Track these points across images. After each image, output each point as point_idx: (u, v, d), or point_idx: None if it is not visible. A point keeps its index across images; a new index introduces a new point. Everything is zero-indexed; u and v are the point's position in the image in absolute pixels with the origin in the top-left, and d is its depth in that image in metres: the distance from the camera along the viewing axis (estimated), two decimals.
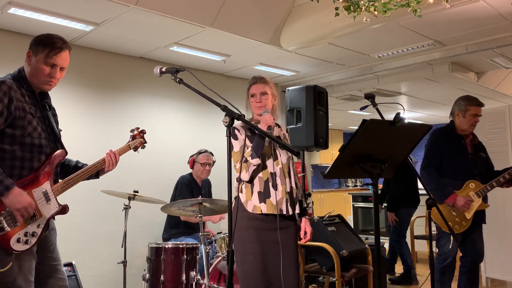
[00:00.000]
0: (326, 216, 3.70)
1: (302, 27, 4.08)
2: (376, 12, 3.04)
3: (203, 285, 3.25)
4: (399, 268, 5.06)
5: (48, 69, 1.98)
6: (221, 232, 3.65)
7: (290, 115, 3.97)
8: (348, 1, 3.05)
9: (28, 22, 3.55)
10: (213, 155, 4.17)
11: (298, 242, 2.53)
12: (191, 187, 4.06)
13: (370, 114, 7.72)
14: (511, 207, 4.44)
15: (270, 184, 2.41)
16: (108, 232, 4.21)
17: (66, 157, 2.14)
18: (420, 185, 5.15)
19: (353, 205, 7.26)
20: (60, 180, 2.08)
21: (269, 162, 2.44)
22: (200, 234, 3.13)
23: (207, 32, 3.86)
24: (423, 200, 4.14)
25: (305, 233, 2.51)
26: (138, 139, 2.48)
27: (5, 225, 1.80)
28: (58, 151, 2.04)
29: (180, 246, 3.28)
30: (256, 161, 2.37)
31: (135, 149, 2.47)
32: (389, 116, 2.99)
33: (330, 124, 5.62)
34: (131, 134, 2.49)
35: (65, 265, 3.33)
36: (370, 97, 2.49)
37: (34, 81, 2.00)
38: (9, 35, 3.76)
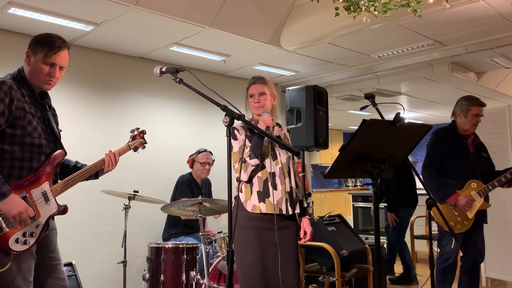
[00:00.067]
0: (326, 216, 3.69)
1: (302, 27, 4.08)
2: (376, 12, 3.04)
3: (203, 285, 3.25)
4: (398, 268, 5.06)
5: (47, 69, 1.98)
6: (221, 232, 3.65)
7: (290, 115, 3.97)
8: (348, 1, 3.05)
9: (28, 22, 3.55)
10: (212, 154, 4.17)
11: (298, 242, 2.53)
12: (191, 187, 4.06)
13: (370, 114, 7.72)
14: (511, 207, 4.44)
15: (270, 183, 2.41)
16: (108, 232, 4.21)
17: (66, 157, 2.14)
18: (419, 185, 5.15)
19: (353, 205, 7.26)
20: (59, 181, 2.08)
21: (269, 162, 2.44)
22: (200, 234, 3.13)
23: (207, 32, 3.86)
24: (422, 200, 4.14)
25: (305, 233, 2.51)
26: (138, 140, 2.48)
27: (4, 226, 1.80)
28: (57, 151, 2.04)
29: (180, 246, 3.28)
30: (255, 161, 2.37)
31: (135, 149, 2.47)
32: (389, 116, 3.00)
33: (330, 124, 5.63)
34: (131, 134, 2.49)
35: (65, 265, 3.33)
36: (370, 97, 2.49)
37: (34, 81, 2.00)
38: (9, 35, 3.76)
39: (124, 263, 3.38)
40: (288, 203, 2.41)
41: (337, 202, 9.86)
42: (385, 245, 5.08)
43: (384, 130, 2.01)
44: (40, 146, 1.97)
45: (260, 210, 2.37)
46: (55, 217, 2.05)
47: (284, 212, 2.40)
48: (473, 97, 3.30)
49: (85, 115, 4.20)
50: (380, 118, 2.35)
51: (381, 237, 2.44)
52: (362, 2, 3.01)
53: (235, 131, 2.48)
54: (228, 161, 1.93)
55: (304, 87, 3.92)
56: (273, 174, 2.42)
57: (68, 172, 2.15)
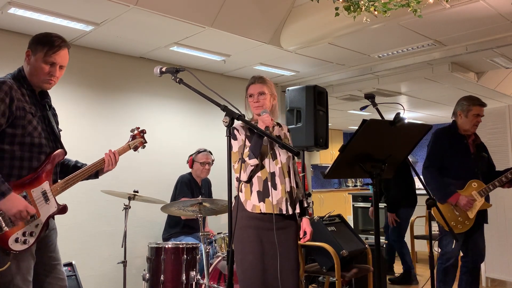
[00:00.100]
0: (326, 216, 3.70)
1: (302, 27, 4.08)
2: (376, 12, 3.04)
3: (203, 285, 3.25)
4: (398, 268, 5.06)
5: (47, 68, 1.98)
6: (221, 233, 3.65)
7: (290, 115, 3.97)
8: (348, 1, 3.05)
9: (28, 22, 3.55)
10: (211, 154, 4.17)
11: (298, 242, 2.53)
12: (191, 186, 4.06)
13: (370, 114, 7.72)
14: (511, 207, 4.45)
15: (269, 183, 2.40)
16: (108, 232, 4.21)
17: (66, 157, 2.14)
18: (418, 185, 5.16)
19: (353, 205, 7.26)
20: (59, 180, 2.08)
21: (268, 162, 2.44)
22: (200, 234, 3.13)
23: (207, 32, 3.86)
24: (422, 200, 4.14)
25: (305, 233, 2.51)
26: (138, 139, 2.48)
27: (3, 225, 1.80)
28: (57, 151, 2.04)
29: (180, 246, 3.28)
30: (254, 161, 2.37)
31: (135, 149, 2.46)
32: (389, 116, 2.99)
33: (330, 124, 5.63)
34: (131, 134, 2.48)
35: (65, 265, 3.33)
36: (370, 97, 2.49)
37: (34, 80, 2.00)
38: (9, 35, 3.76)
39: (124, 263, 3.38)
40: (288, 203, 2.41)
41: (337, 202, 9.86)
42: (384, 245, 5.08)
43: (384, 130, 2.01)
44: (40, 146, 1.97)
45: (260, 210, 2.37)
46: (55, 217, 2.05)
47: (284, 212, 2.39)
48: (474, 97, 3.30)
49: (85, 115, 4.20)
50: (380, 118, 2.35)
51: (380, 237, 2.43)
52: (362, 2, 3.01)
53: (235, 131, 2.48)
54: (228, 161, 1.93)
55: (304, 87, 3.92)
56: (272, 174, 2.42)
57: (68, 171, 2.15)
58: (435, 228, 3.28)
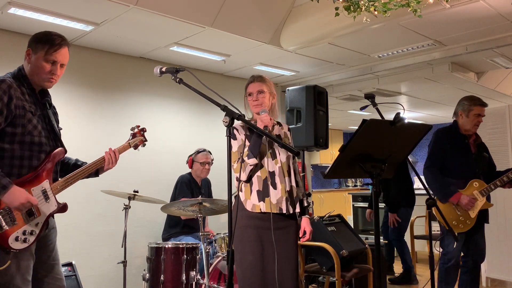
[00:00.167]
0: (326, 216, 3.70)
1: (302, 27, 4.08)
2: (376, 12, 3.04)
3: (203, 285, 3.25)
4: (398, 268, 5.06)
5: (49, 66, 1.98)
6: (220, 233, 3.65)
7: (290, 115, 3.97)
8: (348, 1, 3.05)
9: (28, 22, 3.55)
10: (211, 153, 4.17)
11: (298, 242, 2.53)
12: (190, 187, 4.06)
13: (370, 114, 7.72)
14: (511, 207, 4.45)
15: (269, 183, 2.40)
16: (108, 232, 4.21)
17: (66, 155, 2.14)
18: (417, 185, 5.16)
19: (353, 205, 7.26)
20: (59, 179, 2.08)
21: (268, 161, 2.44)
22: (200, 233, 3.13)
23: (207, 32, 3.86)
24: (422, 200, 4.13)
25: (304, 232, 2.51)
26: (138, 137, 2.47)
27: (3, 224, 1.80)
28: (57, 150, 2.04)
29: (180, 246, 3.28)
30: (253, 161, 2.36)
31: (135, 147, 2.46)
32: (389, 116, 2.99)
33: (330, 124, 5.63)
34: (132, 132, 2.48)
35: (65, 265, 3.33)
36: (370, 97, 2.49)
37: (35, 79, 2.00)
38: (9, 35, 3.76)
39: (124, 263, 3.38)
40: (288, 202, 2.41)
41: (337, 202, 9.86)
42: (383, 246, 5.08)
43: (384, 130, 2.01)
44: (40, 145, 1.97)
45: (260, 210, 2.37)
46: (55, 216, 2.05)
47: (284, 211, 2.39)
48: (475, 97, 3.31)
49: (85, 115, 4.20)
50: (380, 118, 2.35)
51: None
52: (362, 2, 3.01)
53: (234, 131, 2.48)
54: (228, 161, 1.93)
55: (304, 87, 3.92)
56: (272, 173, 2.42)
57: (68, 170, 2.15)
58: (435, 228, 3.29)
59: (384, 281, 4.40)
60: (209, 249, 3.14)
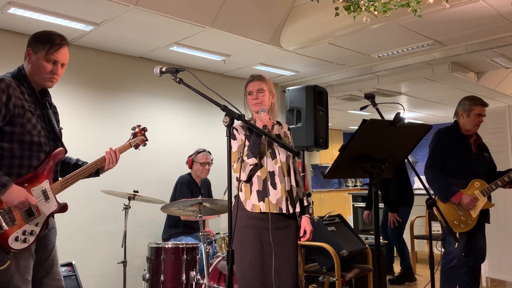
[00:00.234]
0: (326, 216, 3.70)
1: (302, 27, 4.08)
2: (376, 12, 3.04)
3: (203, 285, 3.25)
4: (398, 268, 5.06)
5: (50, 66, 1.98)
6: (218, 233, 3.65)
7: (290, 115, 3.97)
8: (348, 1, 3.05)
9: (28, 22, 3.55)
10: (210, 154, 4.17)
11: (298, 241, 2.53)
12: (190, 187, 4.06)
13: (370, 114, 7.72)
14: (511, 207, 4.45)
15: (269, 183, 2.40)
16: (108, 232, 4.21)
17: (67, 155, 2.14)
18: (417, 185, 5.15)
19: (353, 205, 7.26)
20: (60, 178, 2.08)
21: (268, 161, 2.44)
22: (200, 234, 3.13)
23: (207, 32, 3.86)
24: (422, 200, 4.13)
25: (305, 231, 2.50)
26: (139, 137, 2.47)
27: (3, 224, 1.80)
28: (57, 149, 2.03)
29: (180, 246, 3.28)
30: (252, 160, 2.36)
31: (136, 146, 2.45)
32: (389, 116, 2.99)
33: (330, 124, 5.63)
34: (132, 131, 2.47)
35: (65, 265, 3.32)
36: (370, 97, 2.49)
37: (36, 79, 2.00)
38: (9, 35, 3.76)
39: (124, 263, 3.38)
40: (288, 202, 2.41)
41: (337, 202, 9.86)
42: (383, 246, 5.08)
43: (384, 130, 2.01)
44: (39, 144, 1.97)
45: (260, 210, 2.37)
46: (56, 216, 2.05)
47: (284, 211, 2.39)
48: (476, 97, 3.31)
49: (85, 114, 4.20)
50: (380, 118, 2.35)
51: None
52: (362, 2, 3.01)
53: (234, 131, 2.47)
54: (228, 161, 1.93)
55: (304, 87, 3.92)
56: (272, 173, 2.42)
57: (69, 169, 2.15)
58: (435, 228, 3.29)
59: (384, 281, 4.40)
60: (209, 249, 3.13)
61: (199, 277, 3.28)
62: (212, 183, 4.36)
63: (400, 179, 4.81)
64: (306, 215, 2.54)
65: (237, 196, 2.43)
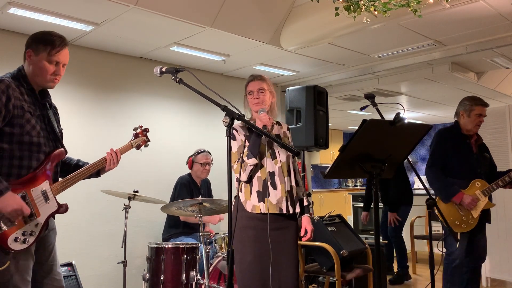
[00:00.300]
0: (326, 216, 3.70)
1: (302, 27, 4.08)
2: (376, 12, 3.04)
3: (203, 285, 3.25)
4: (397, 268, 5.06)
5: (52, 68, 1.98)
6: (218, 233, 3.65)
7: (290, 115, 3.97)
8: (348, 1, 3.05)
9: (28, 22, 3.55)
10: (210, 154, 4.17)
11: (299, 241, 2.52)
12: (190, 188, 4.06)
13: (370, 114, 7.72)
14: (511, 207, 4.45)
15: (269, 183, 2.40)
16: (108, 232, 4.21)
17: (67, 155, 2.13)
18: (417, 185, 5.15)
19: (353, 205, 7.26)
20: (60, 179, 2.07)
21: (268, 161, 2.44)
22: (200, 234, 3.13)
23: (207, 32, 3.86)
24: (421, 200, 4.13)
25: (306, 231, 2.50)
26: (141, 138, 2.47)
27: (2, 225, 1.80)
28: (57, 150, 2.03)
29: (180, 246, 3.28)
30: (253, 161, 2.36)
31: (138, 147, 2.44)
32: (389, 116, 2.99)
33: (330, 124, 5.62)
34: (134, 132, 2.47)
35: (65, 265, 3.32)
36: (370, 97, 2.49)
37: (38, 80, 1.99)
38: (9, 35, 3.76)
39: (124, 263, 3.38)
40: (288, 202, 2.41)
41: (337, 202, 9.86)
42: (383, 246, 5.08)
43: (384, 130, 2.01)
44: (39, 145, 1.96)
45: (260, 210, 2.37)
46: (56, 216, 2.05)
47: (284, 211, 2.39)
48: (476, 97, 3.32)
49: (85, 115, 4.20)
50: (380, 118, 2.35)
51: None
52: (362, 2, 3.01)
53: (234, 131, 2.47)
54: (228, 161, 1.93)
55: (304, 87, 3.93)
56: (272, 174, 2.42)
57: (69, 170, 2.14)
58: (435, 228, 3.29)
59: (384, 281, 4.40)
60: (209, 249, 3.14)
61: (199, 277, 3.28)
62: (212, 183, 4.36)
63: (400, 179, 4.81)
64: (307, 214, 2.54)
65: (237, 197, 2.43)
